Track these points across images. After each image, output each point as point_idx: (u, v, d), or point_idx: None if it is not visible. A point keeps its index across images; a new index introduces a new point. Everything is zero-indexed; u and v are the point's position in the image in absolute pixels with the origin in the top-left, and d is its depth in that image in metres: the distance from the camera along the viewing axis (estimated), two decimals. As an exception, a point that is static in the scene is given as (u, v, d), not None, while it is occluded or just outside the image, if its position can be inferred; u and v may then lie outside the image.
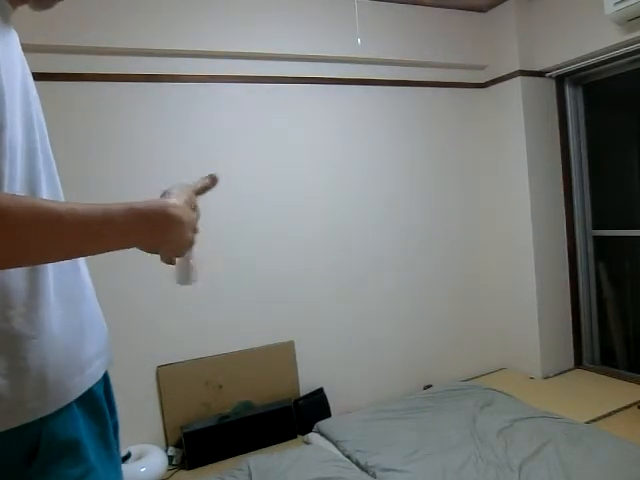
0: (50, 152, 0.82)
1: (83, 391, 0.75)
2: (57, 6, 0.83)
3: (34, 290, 0.70)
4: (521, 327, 3.61)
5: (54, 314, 0.72)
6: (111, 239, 0.68)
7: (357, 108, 3.23)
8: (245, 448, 2.72)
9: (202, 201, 0.84)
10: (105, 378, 0.85)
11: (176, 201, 0.74)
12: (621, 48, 2.96)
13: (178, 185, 0.81)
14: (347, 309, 3.21)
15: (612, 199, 3.55)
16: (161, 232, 0.73)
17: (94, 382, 0.79)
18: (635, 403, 2.89)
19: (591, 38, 3.06)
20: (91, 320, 0.82)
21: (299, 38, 3.00)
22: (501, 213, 3.66)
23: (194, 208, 0.80)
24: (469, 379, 3.50)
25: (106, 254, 0.68)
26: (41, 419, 0.68)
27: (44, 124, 0.81)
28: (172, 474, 2.59)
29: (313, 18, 3.04)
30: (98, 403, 0.80)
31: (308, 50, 3.01)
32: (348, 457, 2.48)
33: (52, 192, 0.78)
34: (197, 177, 0.87)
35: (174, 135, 2.75)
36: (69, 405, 0.72)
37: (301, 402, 2.94)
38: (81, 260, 0.83)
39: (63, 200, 0.82)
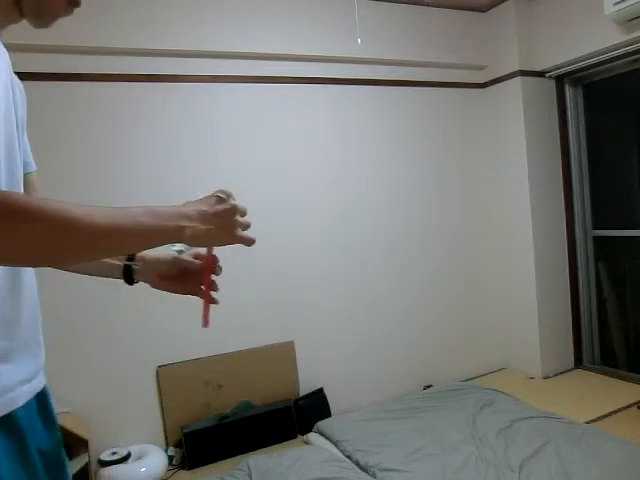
0: (16, 149, 0.81)
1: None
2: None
3: None
4: (521, 327, 3.61)
5: None
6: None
7: (357, 108, 3.23)
8: (245, 448, 2.72)
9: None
10: (41, 396, 0.85)
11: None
12: (621, 48, 2.96)
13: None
14: (347, 309, 3.21)
15: (612, 199, 3.55)
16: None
17: (14, 407, 0.77)
18: (635, 403, 2.89)
19: (591, 38, 3.06)
20: (22, 346, 0.81)
21: (299, 38, 3.00)
22: (501, 213, 3.66)
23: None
24: (469, 379, 3.50)
25: None
26: None
27: (14, 124, 0.81)
28: (172, 474, 2.58)
29: (313, 18, 3.04)
30: (17, 424, 0.78)
31: (308, 50, 3.01)
32: (348, 457, 2.48)
33: (10, 188, 0.78)
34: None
35: (175, 135, 2.75)
36: None
37: (301, 402, 2.94)
38: (25, 284, 0.82)
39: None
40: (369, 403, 3.14)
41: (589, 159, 3.55)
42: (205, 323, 0.93)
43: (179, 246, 0.87)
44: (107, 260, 0.98)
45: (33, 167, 0.97)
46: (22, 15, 0.77)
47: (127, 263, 0.99)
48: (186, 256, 0.98)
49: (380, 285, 3.31)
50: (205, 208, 0.79)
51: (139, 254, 1.00)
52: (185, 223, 0.75)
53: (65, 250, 0.67)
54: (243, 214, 0.84)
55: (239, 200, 0.86)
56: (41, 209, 0.62)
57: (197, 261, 0.98)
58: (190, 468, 2.61)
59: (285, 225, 3.02)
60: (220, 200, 0.81)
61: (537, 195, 3.46)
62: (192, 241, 0.78)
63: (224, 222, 0.80)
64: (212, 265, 0.95)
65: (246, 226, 0.85)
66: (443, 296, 3.53)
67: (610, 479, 2.07)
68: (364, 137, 3.26)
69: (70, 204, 0.65)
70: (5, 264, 0.67)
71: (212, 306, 0.95)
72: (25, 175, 0.90)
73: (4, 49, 0.80)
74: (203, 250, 0.96)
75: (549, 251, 3.51)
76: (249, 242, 0.85)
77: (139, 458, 2.50)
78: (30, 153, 0.96)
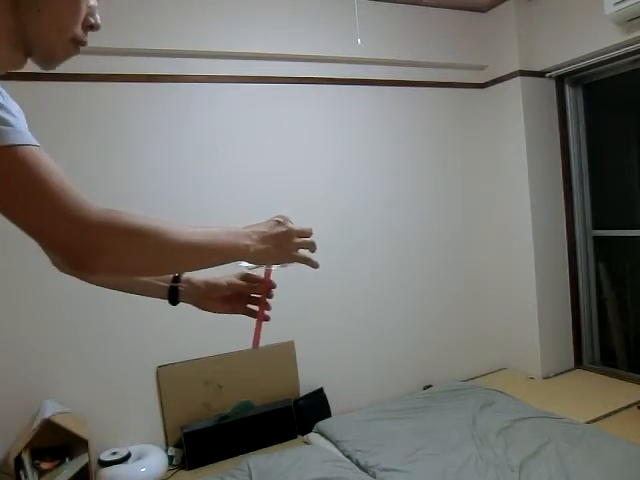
0: None
1: None
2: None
3: None
4: (521, 327, 3.61)
5: None
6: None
7: (357, 108, 3.23)
8: (245, 448, 2.72)
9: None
10: None
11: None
12: (621, 48, 2.96)
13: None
14: (347, 309, 3.21)
15: (612, 199, 3.55)
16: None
17: None
18: (635, 403, 2.89)
19: (591, 38, 3.06)
20: None
21: (299, 38, 3.00)
22: (501, 213, 3.66)
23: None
24: (469, 379, 3.50)
25: None
26: None
27: None
28: (172, 474, 2.58)
29: (313, 18, 3.04)
30: None
31: (308, 50, 3.01)
32: (348, 457, 2.48)
33: None
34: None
35: (174, 135, 2.75)
36: None
37: (301, 402, 2.94)
38: None
39: None
40: (369, 403, 3.13)
41: (589, 159, 3.55)
42: (256, 344, 0.95)
43: (245, 264, 0.92)
44: (154, 281, 1.03)
45: None
46: (29, 56, 0.74)
47: (173, 284, 1.03)
48: (238, 279, 1.06)
49: (380, 285, 3.31)
50: (264, 230, 0.89)
51: (184, 276, 1.05)
52: (249, 242, 0.85)
53: (159, 263, 0.77)
54: (301, 235, 0.93)
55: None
56: (146, 228, 0.71)
57: (245, 283, 1.06)
58: (190, 468, 2.61)
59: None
60: (278, 224, 0.91)
61: (537, 195, 3.45)
62: (254, 258, 0.87)
63: (280, 242, 0.90)
64: (270, 287, 1.03)
65: (307, 245, 0.94)
66: (443, 296, 3.53)
67: (610, 479, 2.07)
68: (364, 137, 3.26)
69: (164, 222, 0.73)
70: (109, 275, 0.77)
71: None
72: None
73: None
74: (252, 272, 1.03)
75: (549, 251, 3.51)
76: (307, 262, 0.95)
77: (139, 458, 2.50)
78: None
